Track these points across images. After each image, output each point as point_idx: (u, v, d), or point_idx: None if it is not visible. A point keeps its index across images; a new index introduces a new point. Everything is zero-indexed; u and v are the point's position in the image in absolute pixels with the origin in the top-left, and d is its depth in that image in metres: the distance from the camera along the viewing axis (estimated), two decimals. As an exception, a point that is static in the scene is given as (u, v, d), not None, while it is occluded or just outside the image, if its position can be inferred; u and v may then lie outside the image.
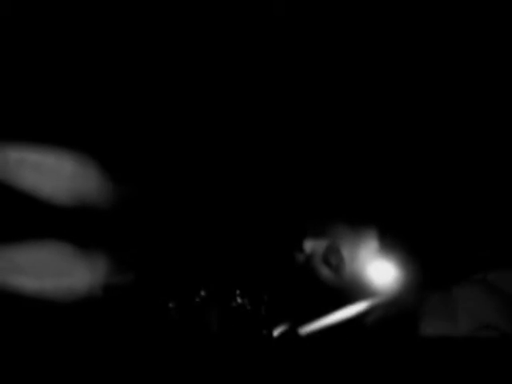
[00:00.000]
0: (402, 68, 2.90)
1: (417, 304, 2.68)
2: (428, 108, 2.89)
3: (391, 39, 2.86)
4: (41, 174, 2.70)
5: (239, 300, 2.73)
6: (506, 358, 2.38)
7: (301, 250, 2.90)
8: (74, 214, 2.70)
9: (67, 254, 2.69)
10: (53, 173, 2.72)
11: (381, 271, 2.82)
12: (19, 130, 2.76)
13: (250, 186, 2.90)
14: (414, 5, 2.82)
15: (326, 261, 2.88)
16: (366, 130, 2.93)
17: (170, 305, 2.73)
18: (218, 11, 2.86)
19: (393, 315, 2.71)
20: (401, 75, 2.90)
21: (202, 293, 2.73)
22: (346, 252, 2.87)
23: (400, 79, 2.90)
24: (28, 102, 2.79)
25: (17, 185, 2.69)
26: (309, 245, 2.90)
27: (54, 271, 2.67)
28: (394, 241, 2.82)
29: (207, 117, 2.88)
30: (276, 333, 2.70)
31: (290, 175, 2.93)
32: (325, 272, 2.87)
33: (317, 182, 2.92)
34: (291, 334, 2.70)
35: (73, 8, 2.80)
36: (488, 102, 2.84)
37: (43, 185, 2.71)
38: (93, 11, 2.83)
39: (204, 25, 2.87)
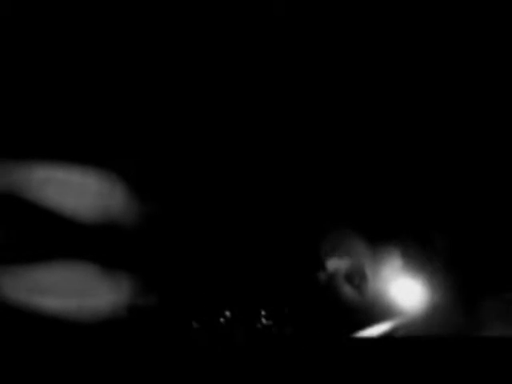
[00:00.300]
0: (402, 68, 2.90)
1: (440, 325, 2.68)
2: (447, 120, 2.90)
3: (391, 39, 2.87)
4: (66, 192, 2.68)
5: (264, 321, 2.72)
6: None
7: (323, 268, 2.89)
8: (100, 232, 2.68)
9: (91, 274, 2.67)
10: (78, 191, 2.69)
11: (405, 290, 2.82)
12: (44, 147, 2.74)
13: (273, 206, 2.89)
14: (413, 5, 2.83)
15: (349, 279, 2.88)
16: (386, 145, 2.93)
17: (194, 325, 2.71)
18: (218, 11, 2.85)
19: (417, 334, 2.71)
20: (401, 75, 2.90)
21: (227, 313, 2.72)
22: (368, 271, 2.87)
23: (400, 79, 2.90)
24: (51, 120, 2.77)
25: (42, 203, 2.67)
26: (331, 263, 2.90)
27: (77, 291, 2.64)
28: (419, 258, 2.82)
29: (219, 129, 2.87)
30: (300, 351, 2.69)
31: (313, 194, 2.92)
32: (347, 291, 2.87)
33: (340, 201, 2.92)
34: (315, 354, 2.69)
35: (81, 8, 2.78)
36: (488, 103, 2.86)
37: (68, 203, 2.68)
38: (96, 12, 2.81)
39: (204, 25, 2.86)
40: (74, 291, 2.64)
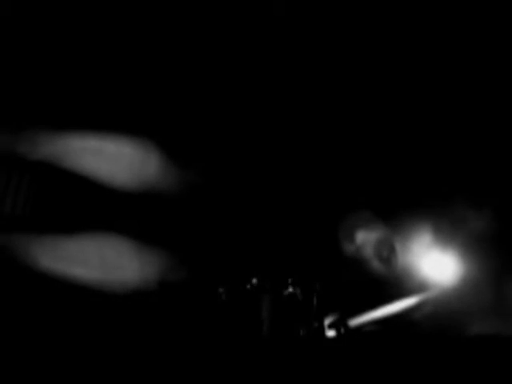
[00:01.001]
0: (402, 68, 2.87)
1: (469, 301, 2.66)
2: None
3: (391, 39, 2.84)
4: (101, 160, 2.68)
5: (291, 289, 2.72)
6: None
7: (352, 240, 2.88)
8: (134, 201, 2.69)
9: (125, 247, 2.68)
10: (113, 159, 2.69)
11: (434, 266, 2.80)
12: (79, 116, 2.73)
13: (308, 177, 2.87)
14: (413, 5, 2.79)
15: (378, 253, 2.86)
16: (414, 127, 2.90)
17: (220, 290, 2.72)
18: (218, 11, 2.84)
19: (443, 313, 2.69)
20: (400, 75, 2.87)
21: (254, 280, 2.72)
22: (398, 245, 2.85)
23: (400, 79, 2.87)
24: (87, 89, 2.76)
25: (78, 172, 2.68)
26: (361, 236, 2.88)
27: (110, 264, 2.66)
28: (449, 235, 2.79)
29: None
30: (326, 323, 2.70)
31: (346, 168, 2.89)
32: (375, 264, 2.86)
33: (372, 176, 2.89)
34: (341, 325, 2.69)
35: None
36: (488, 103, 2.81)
37: (103, 172, 2.69)
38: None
39: (204, 24, 2.84)
40: (105, 263, 2.66)
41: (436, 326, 2.70)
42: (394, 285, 2.80)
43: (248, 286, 2.73)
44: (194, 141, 2.79)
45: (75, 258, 2.61)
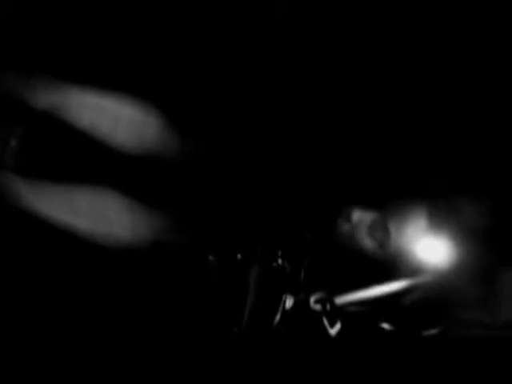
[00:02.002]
0: (402, 68, 2.83)
1: (461, 288, 2.63)
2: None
3: (391, 39, 2.81)
4: (101, 116, 2.69)
5: (280, 261, 2.71)
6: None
7: (347, 218, 2.85)
8: (131, 160, 2.70)
9: (117, 203, 2.70)
10: (112, 115, 2.70)
11: (428, 250, 2.76)
12: (82, 70, 2.74)
13: (303, 149, 2.85)
14: (413, 5, 2.77)
15: (371, 233, 2.83)
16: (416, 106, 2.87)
17: (210, 258, 2.72)
18: (218, 11, 2.82)
19: (433, 298, 2.66)
20: (400, 75, 2.84)
21: (244, 251, 2.72)
22: (392, 227, 2.81)
23: (400, 79, 2.84)
24: (90, 45, 2.77)
25: (77, 124, 2.69)
26: (356, 214, 2.85)
27: (101, 216, 2.68)
28: (444, 219, 2.75)
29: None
30: (312, 298, 2.68)
31: (343, 144, 2.87)
32: (368, 244, 2.83)
33: (370, 155, 2.86)
34: (327, 302, 2.67)
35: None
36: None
37: (103, 127, 2.70)
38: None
39: (204, 24, 2.83)
40: (103, 217, 2.67)
41: (425, 311, 2.68)
42: (385, 267, 2.77)
43: (238, 256, 2.73)
44: (196, 109, 2.78)
45: (65, 205, 2.62)
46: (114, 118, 2.71)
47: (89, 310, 2.57)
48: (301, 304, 2.65)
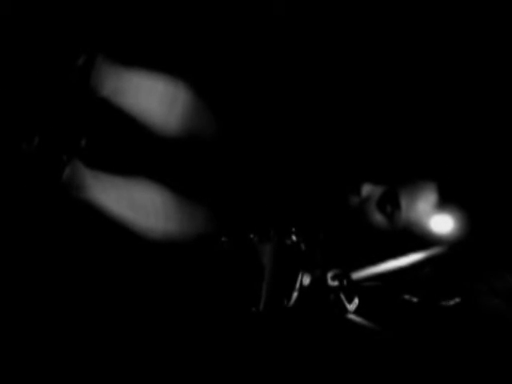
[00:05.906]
0: (402, 68, 2.82)
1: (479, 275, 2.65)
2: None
3: (391, 39, 2.79)
4: (154, 101, 2.56)
5: (294, 238, 2.66)
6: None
7: (357, 192, 2.83)
8: (183, 147, 2.59)
9: (169, 197, 2.58)
10: (166, 101, 2.57)
11: (438, 225, 2.77)
12: (135, 55, 2.62)
13: (314, 128, 2.80)
14: (413, 5, 2.75)
15: (381, 207, 2.81)
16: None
17: (223, 239, 2.64)
18: (218, 11, 2.76)
19: (450, 269, 2.67)
20: (400, 75, 2.82)
21: (257, 229, 2.65)
22: (403, 201, 2.80)
23: (400, 79, 2.82)
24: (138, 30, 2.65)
25: (131, 110, 2.56)
26: (366, 188, 2.83)
27: (154, 212, 2.56)
28: (455, 197, 2.76)
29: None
30: (329, 275, 2.65)
31: (354, 119, 2.84)
32: (378, 218, 2.81)
33: (380, 130, 2.84)
34: (344, 278, 2.65)
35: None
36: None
37: (157, 113, 2.57)
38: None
39: (204, 24, 2.76)
40: (153, 211, 2.56)
41: (443, 282, 2.69)
42: (396, 240, 2.76)
43: (251, 236, 2.66)
44: (228, 89, 2.69)
45: (123, 198, 2.51)
46: (167, 102, 2.58)
47: (139, 303, 2.48)
48: (318, 281, 2.62)
